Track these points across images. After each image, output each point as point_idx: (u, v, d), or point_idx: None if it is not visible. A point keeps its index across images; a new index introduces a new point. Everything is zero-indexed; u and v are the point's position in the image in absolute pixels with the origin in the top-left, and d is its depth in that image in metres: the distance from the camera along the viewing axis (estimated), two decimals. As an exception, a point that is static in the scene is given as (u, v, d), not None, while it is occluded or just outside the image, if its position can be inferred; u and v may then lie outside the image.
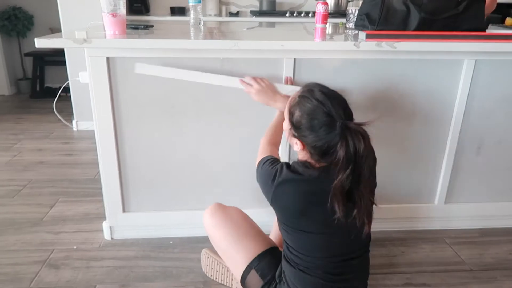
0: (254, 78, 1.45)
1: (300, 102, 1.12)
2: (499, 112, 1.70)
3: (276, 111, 1.47)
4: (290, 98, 1.19)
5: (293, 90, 1.36)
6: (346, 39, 1.60)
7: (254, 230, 1.35)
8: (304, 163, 1.14)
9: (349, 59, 1.56)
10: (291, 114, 1.15)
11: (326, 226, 1.11)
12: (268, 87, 1.44)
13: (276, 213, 1.19)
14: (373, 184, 1.20)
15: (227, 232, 1.32)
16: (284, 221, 1.17)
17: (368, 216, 1.10)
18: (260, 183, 1.21)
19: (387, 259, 1.67)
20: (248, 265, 1.26)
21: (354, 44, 1.46)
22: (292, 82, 1.55)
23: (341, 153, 1.03)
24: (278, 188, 1.13)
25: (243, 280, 1.28)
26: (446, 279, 1.56)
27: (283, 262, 1.22)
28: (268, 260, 1.26)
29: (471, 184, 1.82)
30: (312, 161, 1.14)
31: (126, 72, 1.51)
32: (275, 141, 1.38)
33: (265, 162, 1.21)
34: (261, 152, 1.30)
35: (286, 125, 1.18)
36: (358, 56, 1.55)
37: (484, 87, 1.65)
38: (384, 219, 1.83)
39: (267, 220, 1.71)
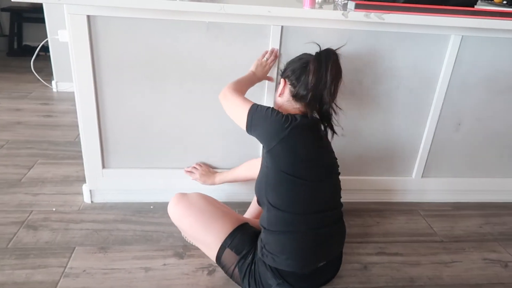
0: (193, 167, 1.71)
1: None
2: (480, 89, 1.72)
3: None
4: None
5: None
6: (335, 8, 1.57)
7: (219, 211, 1.35)
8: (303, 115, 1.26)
9: (337, 29, 1.54)
10: (285, 67, 1.35)
11: (319, 171, 1.23)
12: (207, 168, 1.71)
13: (277, 159, 1.19)
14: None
15: (193, 220, 1.32)
16: (284, 168, 1.18)
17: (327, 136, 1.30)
18: (262, 127, 1.21)
19: (362, 229, 1.72)
20: (221, 245, 1.28)
21: (343, 14, 1.44)
22: (276, 55, 1.53)
23: (312, 66, 1.19)
24: (295, 129, 1.18)
25: (218, 259, 1.30)
26: (417, 249, 1.62)
27: (265, 234, 1.24)
28: (240, 236, 1.29)
29: (448, 159, 1.87)
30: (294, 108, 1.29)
31: (108, 32, 1.45)
32: (244, 94, 1.38)
33: (267, 109, 1.22)
34: (241, 99, 1.29)
35: (280, 87, 1.33)
36: (346, 26, 1.53)
37: (468, 63, 1.66)
38: (362, 191, 1.87)
39: (248, 186, 1.73)
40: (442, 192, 1.94)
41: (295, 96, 1.27)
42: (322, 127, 1.30)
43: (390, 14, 1.45)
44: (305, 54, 1.33)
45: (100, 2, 1.37)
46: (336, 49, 1.22)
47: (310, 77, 1.19)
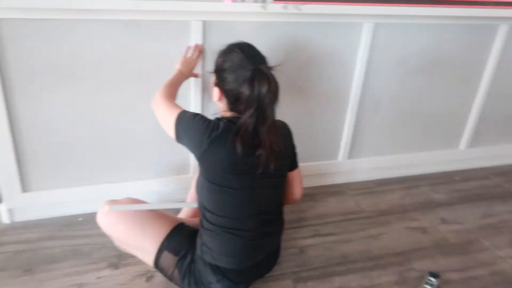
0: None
1: (224, 52, 1.21)
2: (395, 73, 1.85)
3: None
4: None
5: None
6: (255, 1, 1.57)
7: (153, 214, 1.31)
8: (230, 118, 1.18)
9: (259, 22, 1.54)
10: (216, 63, 1.23)
11: (249, 180, 1.18)
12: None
13: (203, 169, 1.18)
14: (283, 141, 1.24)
15: (126, 227, 1.27)
16: (211, 179, 1.17)
17: (273, 158, 1.16)
18: (188, 137, 1.17)
19: (297, 214, 1.78)
20: (159, 249, 1.25)
21: (261, 6, 1.45)
22: (201, 50, 1.50)
23: (246, 91, 1.10)
24: (215, 142, 1.12)
25: (156, 263, 1.27)
26: (348, 227, 1.72)
27: (204, 233, 1.23)
28: (177, 237, 1.27)
29: (371, 139, 1.99)
30: (233, 114, 1.19)
31: (16, 36, 1.32)
32: (175, 98, 1.35)
33: (191, 116, 1.17)
34: (170, 106, 1.24)
35: (212, 81, 1.26)
36: (267, 18, 1.54)
37: (383, 49, 1.76)
38: (295, 177, 1.93)
39: (181, 188, 1.70)
40: (367, 171, 2.07)
41: (232, 110, 1.21)
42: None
43: (307, 5, 1.49)
44: (238, 57, 1.16)
45: (3, 3, 1.23)
46: (271, 67, 1.15)
47: (243, 107, 1.12)
